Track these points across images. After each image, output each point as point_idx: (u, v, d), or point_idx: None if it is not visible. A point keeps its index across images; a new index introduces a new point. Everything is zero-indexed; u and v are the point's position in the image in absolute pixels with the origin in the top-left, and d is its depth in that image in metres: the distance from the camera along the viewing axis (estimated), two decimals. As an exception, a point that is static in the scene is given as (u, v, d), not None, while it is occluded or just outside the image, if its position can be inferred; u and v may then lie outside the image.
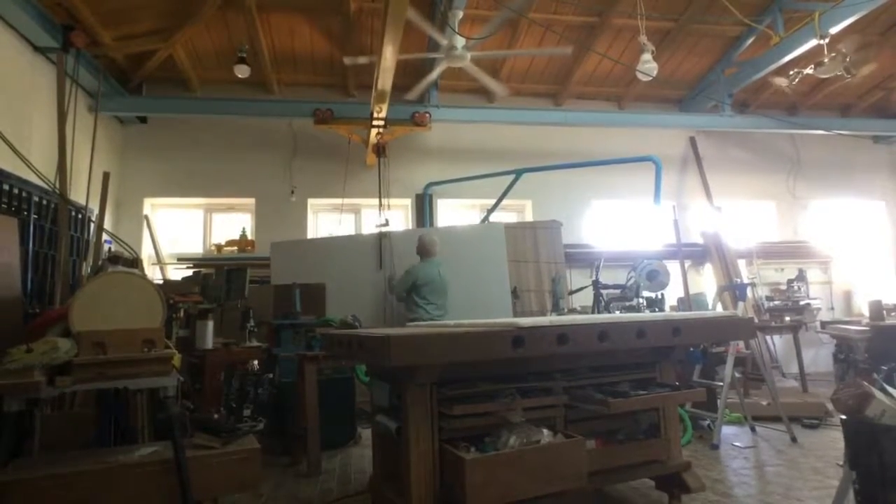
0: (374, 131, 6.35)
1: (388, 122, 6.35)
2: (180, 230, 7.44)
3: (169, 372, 2.45)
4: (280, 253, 5.68)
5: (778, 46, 6.08)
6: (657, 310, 5.24)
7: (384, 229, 5.71)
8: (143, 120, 7.07)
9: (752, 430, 4.64)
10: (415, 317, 4.90)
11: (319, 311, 4.74)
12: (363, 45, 6.64)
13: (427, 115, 6.80)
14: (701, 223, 8.01)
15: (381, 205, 5.69)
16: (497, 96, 7.71)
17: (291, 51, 6.79)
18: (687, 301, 6.46)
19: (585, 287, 6.19)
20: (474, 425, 2.43)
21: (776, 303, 6.80)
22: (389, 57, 4.91)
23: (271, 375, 4.30)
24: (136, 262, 4.66)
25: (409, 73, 6.83)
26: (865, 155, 8.86)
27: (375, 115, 6.13)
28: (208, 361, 3.96)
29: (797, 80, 5.60)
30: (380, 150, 5.99)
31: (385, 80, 5.36)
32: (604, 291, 5.67)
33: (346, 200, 7.14)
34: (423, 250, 5.10)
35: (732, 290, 6.20)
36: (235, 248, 6.99)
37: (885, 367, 3.70)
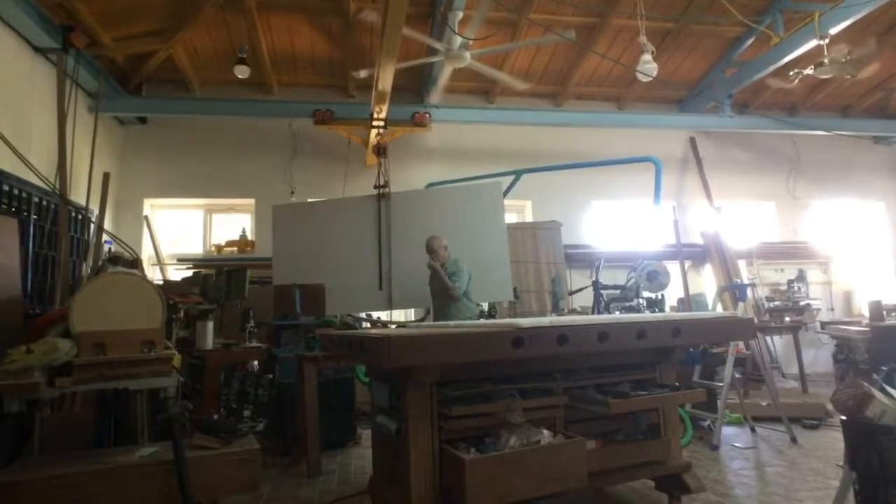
0: (373, 132, 6.36)
1: (389, 122, 6.35)
2: (180, 231, 7.44)
3: (169, 372, 2.46)
4: (282, 216, 5.69)
5: (778, 47, 6.08)
6: (657, 310, 5.24)
7: (383, 191, 5.65)
8: (142, 120, 7.07)
9: (752, 430, 4.64)
10: (469, 315, 4.80)
11: (319, 312, 4.74)
12: (363, 45, 6.65)
13: (427, 115, 6.80)
14: (701, 224, 8.01)
15: (380, 166, 5.64)
16: (498, 96, 7.76)
17: (291, 51, 6.79)
18: (687, 301, 6.45)
19: (585, 288, 6.20)
20: (474, 426, 2.43)
21: (776, 303, 6.80)
22: (389, 60, 4.92)
23: (271, 376, 4.29)
24: (136, 263, 4.67)
25: (409, 74, 6.84)
26: (865, 155, 8.85)
27: (375, 115, 6.12)
28: (208, 362, 3.96)
29: (797, 80, 5.60)
30: (380, 150, 6.01)
31: (385, 81, 5.36)
32: (604, 292, 5.67)
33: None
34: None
35: (732, 290, 6.20)
36: (235, 248, 6.99)
37: (885, 368, 3.70)
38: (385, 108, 5.99)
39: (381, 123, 6.24)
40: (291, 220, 5.68)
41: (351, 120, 6.70)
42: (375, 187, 5.66)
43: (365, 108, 6.44)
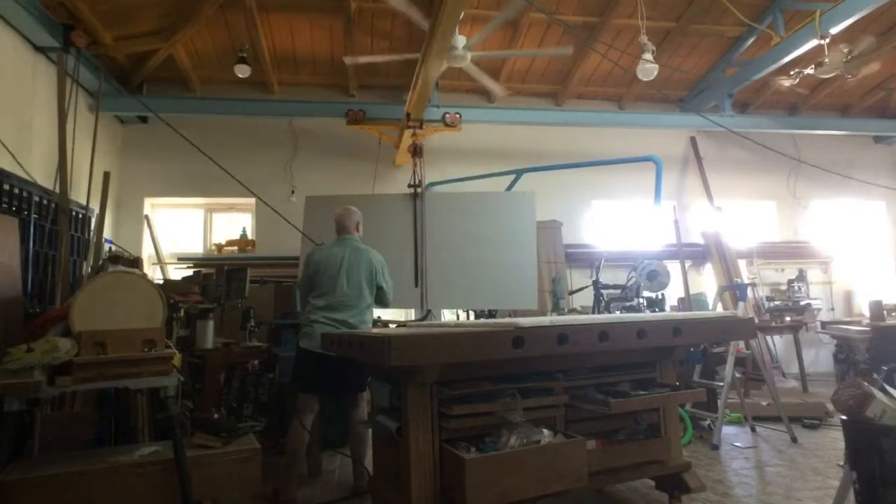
0: (408, 132, 6.36)
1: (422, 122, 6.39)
2: (181, 230, 7.44)
3: (169, 372, 2.45)
4: (314, 207, 5.71)
5: (778, 46, 6.07)
6: (657, 310, 5.24)
7: (418, 189, 5.68)
8: (143, 119, 7.07)
9: (753, 430, 4.64)
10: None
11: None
12: (364, 45, 6.65)
13: (458, 115, 6.82)
14: (701, 223, 8.01)
15: (415, 165, 5.68)
16: (496, 97, 7.75)
17: (292, 51, 6.79)
18: (687, 301, 6.45)
19: (586, 287, 6.18)
20: (475, 425, 2.43)
21: (776, 303, 6.80)
22: (436, 61, 4.93)
23: (272, 375, 4.30)
24: (136, 262, 4.67)
25: (410, 73, 6.84)
26: (866, 155, 8.84)
27: (413, 116, 6.13)
28: (209, 361, 3.96)
29: (798, 79, 5.60)
30: (416, 150, 6.04)
31: (426, 82, 5.35)
32: (604, 291, 5.66)
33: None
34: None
35: (733, 290, 6.19)
36: (236, 247, 6.99)
37: (885, 368, 3.70)
38: (422, 108, 5.99)
39: (418, 124, 6.25)
40: (325, 211, 5.69)
41: (382, 120, 6.77)
42: (410, 186, 5.72)
43: (395, 109, 6.52)
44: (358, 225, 3.65)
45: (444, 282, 5.38)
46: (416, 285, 5.37)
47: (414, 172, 5.64)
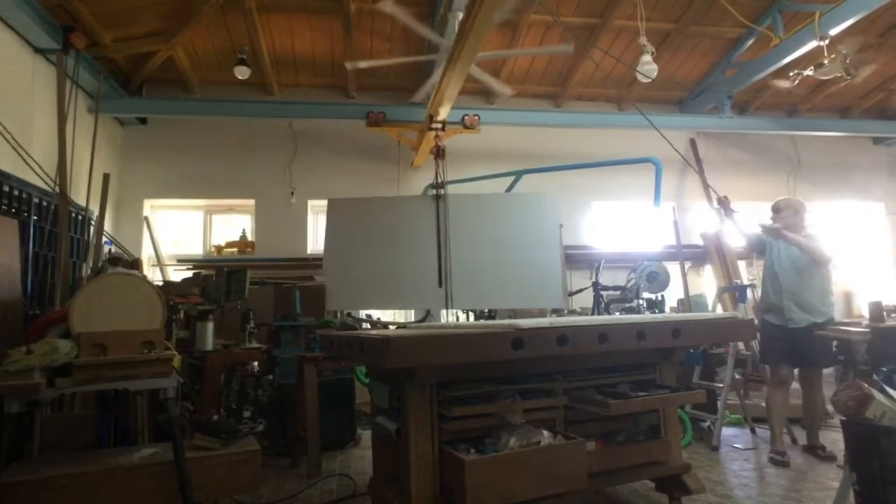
0: (431, 134, 6.36)
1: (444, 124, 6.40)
2: (180, 232, 7.44)
3: (169, 373, 2.46)
4: (337, 210, 5.73)
5: (778, 48, 6.08)
6: (657, 311, 5.24)
7: (440, 191, 5.70)
8: (143, 121, 7.08)
9: (753, 431, 4.64)
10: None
11: (319, 313, 4.74)
12: (364, 47, 6.65)
13: (476, 117, 6.83)
14: (701, 224, 8.01)
15: (437, 166, 5.71)
16: (498, 97, 7.76)
17: (291, 52, 6.79)
18: (687, 302, 6.45)
19: (585, 288, 6.19)
20: (474, 427, 2.43)
21: (776, 304, 6.78)
22: (464, 65, 4.94)
23: (271, 377, 4.29)
24: (135, 264, 4.67)
25: (410, 74, 6.86)
26: (865, 156, 8.85)
27: (435, 118, 6.14)
28: (208, 363, 3.96)
29: (797, 81, 5.60)
30: (438, 152, 6.05)
31: (453, 85, 5.35)
32: (604, 293, 5.66)
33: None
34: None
35: (733, 291, 6.20)
36: (235, 249, 6.99)
37: (884, 369, 3.70)
38: (446, 111, 6.02)
39: (440, 126, 6.26)
40: (347, 213, 5.72)
41: (399, 122, 6.82)
42: (432, 186, 5.74)
43: (410, 111, 6.60)
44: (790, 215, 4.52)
45: (468, 282, 5.41)
46: (441, 286, 5.39)
47: (437, 174, 5.67)
